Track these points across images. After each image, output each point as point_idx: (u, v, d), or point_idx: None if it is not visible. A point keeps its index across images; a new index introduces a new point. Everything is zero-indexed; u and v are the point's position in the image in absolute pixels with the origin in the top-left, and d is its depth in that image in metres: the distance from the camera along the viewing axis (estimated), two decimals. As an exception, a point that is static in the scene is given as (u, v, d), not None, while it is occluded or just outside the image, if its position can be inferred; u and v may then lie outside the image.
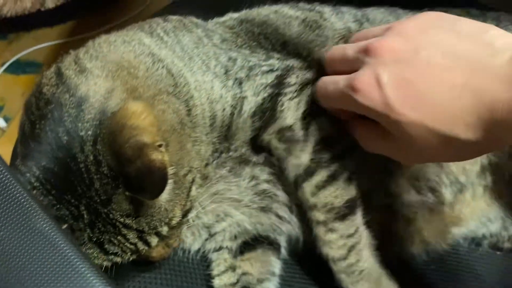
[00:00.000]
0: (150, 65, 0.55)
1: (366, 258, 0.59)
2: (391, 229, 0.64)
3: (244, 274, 0.61)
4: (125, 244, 0.50)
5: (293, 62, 0.61)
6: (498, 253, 0.70)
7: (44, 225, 0.41)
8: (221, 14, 0.72)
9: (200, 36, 0.63)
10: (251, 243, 0.64)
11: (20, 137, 0.52)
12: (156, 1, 1.73)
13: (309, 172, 0.58)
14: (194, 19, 0.68)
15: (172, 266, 0.61)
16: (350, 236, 0.57)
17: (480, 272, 0.68)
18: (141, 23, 0.65)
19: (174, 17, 0.67)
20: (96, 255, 0.50)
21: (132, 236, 0.50)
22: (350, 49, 0.54)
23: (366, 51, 0.50)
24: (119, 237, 0.49)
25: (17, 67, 1.53)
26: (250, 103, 0.58)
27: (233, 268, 0.62)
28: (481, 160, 0.64)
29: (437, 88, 0.45)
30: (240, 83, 0.58)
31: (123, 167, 0.46)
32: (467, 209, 0.66)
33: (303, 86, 0.59)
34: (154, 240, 0.52)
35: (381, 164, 0.62)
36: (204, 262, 0.64)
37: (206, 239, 0.63)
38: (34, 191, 0.46)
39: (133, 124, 0.45)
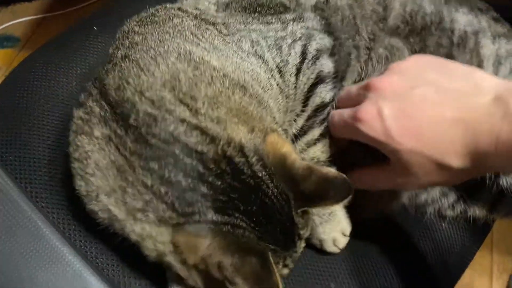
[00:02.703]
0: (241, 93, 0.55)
1: None
2: None
3: None
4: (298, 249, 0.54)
5: (309, 21, 0.64)
6: (443, 225, 0.75)
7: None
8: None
9: (213, 31, 0.62)
10: None
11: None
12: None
13: (302, 132, 0.62)
14: (182, 7, 0.66)
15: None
16: None
17: (423, 242, 0.73)
18: (164, 30, 0.59)
19: (172, 11, 0.64)
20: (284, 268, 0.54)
21: (301, 243, 0.54)
22: (353, 88, 0.60)
23: (367, 87, 0.56)
24: (298, 243, 0.54)
25: (-5, 41, 1.52)
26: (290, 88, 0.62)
27: None
28: None
29: (430, 120, 0.51)
30: (280, 71, 0.61)
31: (298, 186, 0.50)
32: None
33: (318, 55, 0.62)
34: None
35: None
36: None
37: None
38: (249, 233, 0.48)
39: (286, 151, 0.51)
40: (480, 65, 0.69)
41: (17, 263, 0.49)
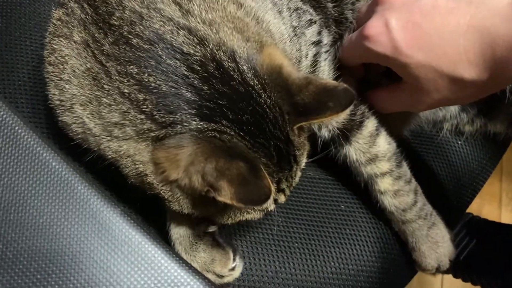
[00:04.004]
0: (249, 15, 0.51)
1: (424, 199, 0.61)
2: None
3: None
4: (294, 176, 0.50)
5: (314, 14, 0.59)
6: (459, 142, 0.72)
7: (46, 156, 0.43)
8: None
9: None
10: None
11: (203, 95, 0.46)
12: None
13: (356, 125, 0.58)
14: None
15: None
16: (408, 180, 0.60)
17: (440, 158, 0.70)
18: None
19: None
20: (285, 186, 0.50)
21: (297, 170, 0.50)
22: (363, 6, 0.57)
23: (375, 2, 0.52)
24: (294, 168, 0.49)
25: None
26: (303, 66, 0.57)
27: None
28: None
29: (442, 29, 0.47)
30: (297, 36, 0.57)
31: (293, 98, 0.46)
32: None
33: (331, 44, 0.59)
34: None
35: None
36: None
37: None
38: (238, 142, 0.44)
39: (283, 63, 0.47)
40: None
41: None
